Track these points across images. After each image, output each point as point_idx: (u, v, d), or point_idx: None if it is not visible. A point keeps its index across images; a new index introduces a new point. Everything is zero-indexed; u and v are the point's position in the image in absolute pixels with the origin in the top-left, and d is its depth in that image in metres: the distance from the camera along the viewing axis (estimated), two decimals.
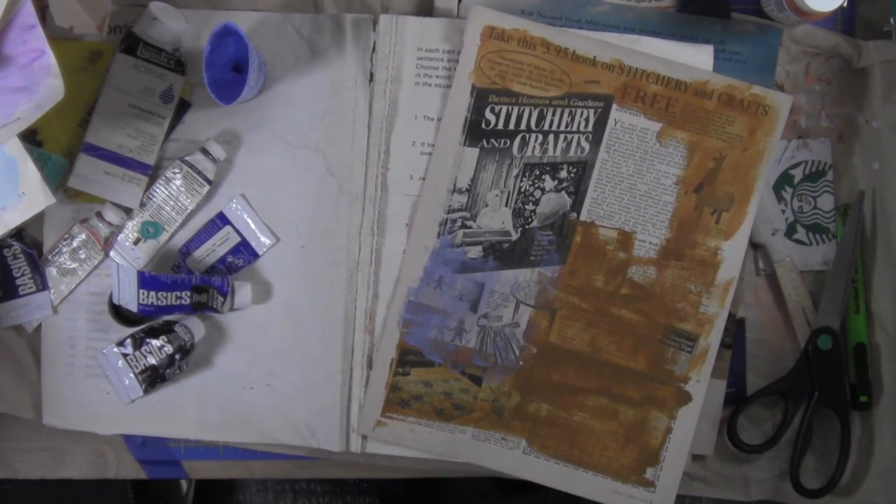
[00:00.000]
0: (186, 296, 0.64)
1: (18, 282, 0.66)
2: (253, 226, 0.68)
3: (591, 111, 0.67)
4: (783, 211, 0.71)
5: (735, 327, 0.69)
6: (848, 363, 0.69)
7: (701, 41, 0.68)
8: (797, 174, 0.71)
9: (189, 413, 0.68)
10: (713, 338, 0.67)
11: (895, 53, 0.68)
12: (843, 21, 0.71)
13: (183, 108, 0.67)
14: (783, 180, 0.71)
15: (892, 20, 0.70)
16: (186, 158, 0.65)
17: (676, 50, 0.67)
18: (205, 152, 0.66)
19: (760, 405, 0.70)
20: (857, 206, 0.70)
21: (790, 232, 0.71)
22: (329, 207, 0.68)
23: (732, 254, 0.67)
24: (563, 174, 0.67)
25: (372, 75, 0.67)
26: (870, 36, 0.70)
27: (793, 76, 0.71)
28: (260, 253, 0.68)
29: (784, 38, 0.69)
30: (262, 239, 0.68)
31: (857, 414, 0.70)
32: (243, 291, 0.67)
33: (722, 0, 0.69)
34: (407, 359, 0.67)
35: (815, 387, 0.68)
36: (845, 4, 0.66)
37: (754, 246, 0.70)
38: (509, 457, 0.68)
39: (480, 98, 0.66)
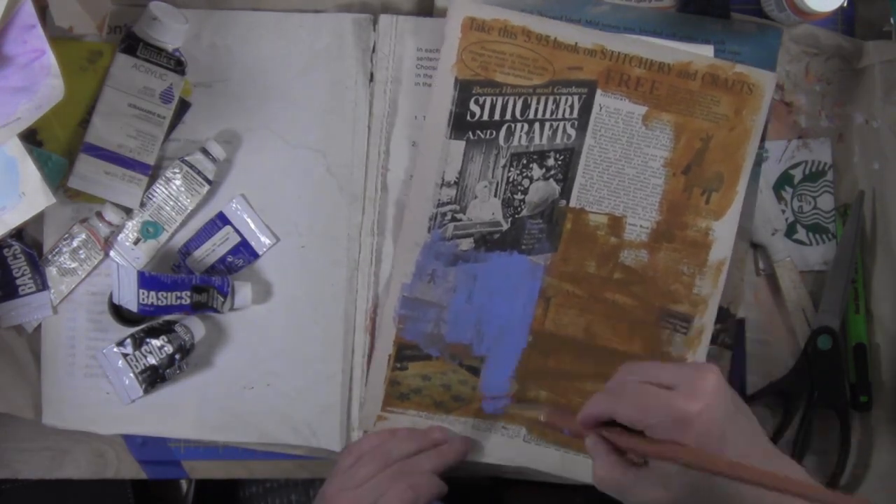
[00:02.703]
0: (186, 296, 0.64)
1: (18, 282, 0.66)
2: (253, 226, 0.68)
3: (576, 97, 0.66)
4: (783, 211, 0.71)
5: (735, 327, 0.69)
6: (848, 363, 0.69)
7: (701, 41, 0.68)
8: (797, 174, 0.71)
9: (189, 413, 0.68)
10: (707, 318, 0.67)
11: (895, 53, 0.68)
12: (843, 21, 0.71)
13: (183, 107, 0.67)
14: (783, 180, 0.71)
15: (892, 20, 0.70)
16: (186, 158, 0.65)
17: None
18: (205, 152, 0.66)
19: (760, 405, 0.70)
20: (857, 206, 0.70)
21: (790, 232, 0.71)
22: (329, 207, 0.68)
23: (724, 233, 0.67)
24: (551, 162, 0.67)
25: (372, 75, 0.67)
26: (870, 36, 0.70)
27: (793, 76, 0.71)
28: (260, 253, 0.68)
29: (784, 38, 0.69)
30: (262, 239, 0.68)
31: (857, 414, 0.70)
32: (243, 291, 0.67)
33: (722, 0, 0.69)
34: (404, 353, 0.67)
35: (815, 387, 0.68)
36: (845, 4, 0.66)
37: (754, 246, 0.70)
38: (510, 445, 0.68)
39: (464, 90, 0.65)
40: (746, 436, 0.49)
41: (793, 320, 0.70)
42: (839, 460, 0.68)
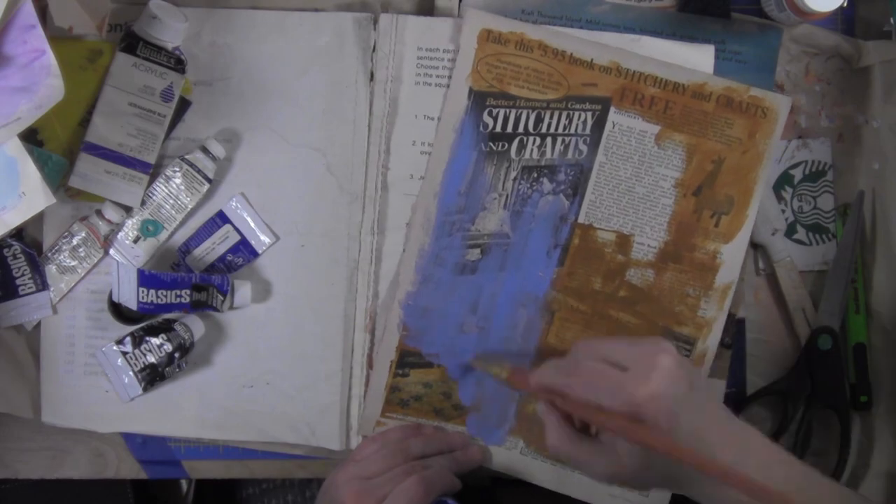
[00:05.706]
0: (186, 294, 0.64)
1: (18, 282, 0.66)
2: (252, 224, 0.68)
3: (589, 114, 0.66)
4: (783, 211, 0.71)
5: (735, 327, 0.69)
6: (848, 363, 0.69)
7: (701, 41, 0.68)
8: (797, 174, 0.71)
9: (189, 411, 0.68)
10: (711, 341, 0.67)
11: (895, 53, 0.68)
12: (843, 21, 0.71)
13: (183, 106, 0.67)
14: (783, 180, 0.71)
15: (892, 20, 0.70)
16: (186, 157, 0.65)
17: (677, 50, 0.67)
18: (205, 151, 0.66)
19: (760, 405, 0.70)
20: (857, 206, 0.70)
21: (790, 232, 0.71)
22: (329, 207, 0.68)
23: (732, 257, 0.67)
24: (561, 177, 0.67)
25: (372, 75, 0.68)
26: (870, 36, 0.70)
27: (793, 76, 0.71)
28: (259, 251, 0.68)
29: (784, 38, 0.69)
30: (262, 238, 0.68)
31: (857, 414, 0.70)
32: (243, 290, 0.67)
33: (722, 0, 0.69)
34: (406, 360, 0.67)
35: (815, 387, 0.68)
36: (845, 4, 0.66)
37: (754, 246, 0.70)
38: (507, 457, 0.68)
39: (478, 101, 0.66)
40: (700, 413, 0.49)
41: (793, 320, 0.70)
42: (839, 460, 0.68)
